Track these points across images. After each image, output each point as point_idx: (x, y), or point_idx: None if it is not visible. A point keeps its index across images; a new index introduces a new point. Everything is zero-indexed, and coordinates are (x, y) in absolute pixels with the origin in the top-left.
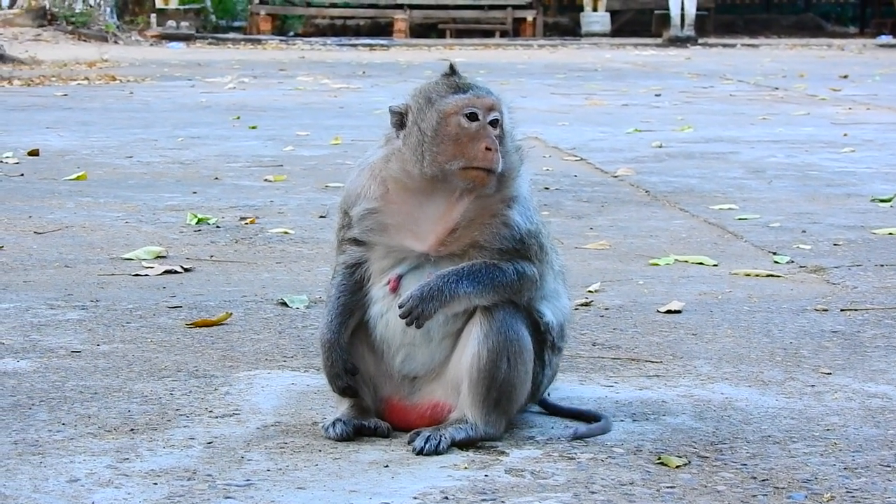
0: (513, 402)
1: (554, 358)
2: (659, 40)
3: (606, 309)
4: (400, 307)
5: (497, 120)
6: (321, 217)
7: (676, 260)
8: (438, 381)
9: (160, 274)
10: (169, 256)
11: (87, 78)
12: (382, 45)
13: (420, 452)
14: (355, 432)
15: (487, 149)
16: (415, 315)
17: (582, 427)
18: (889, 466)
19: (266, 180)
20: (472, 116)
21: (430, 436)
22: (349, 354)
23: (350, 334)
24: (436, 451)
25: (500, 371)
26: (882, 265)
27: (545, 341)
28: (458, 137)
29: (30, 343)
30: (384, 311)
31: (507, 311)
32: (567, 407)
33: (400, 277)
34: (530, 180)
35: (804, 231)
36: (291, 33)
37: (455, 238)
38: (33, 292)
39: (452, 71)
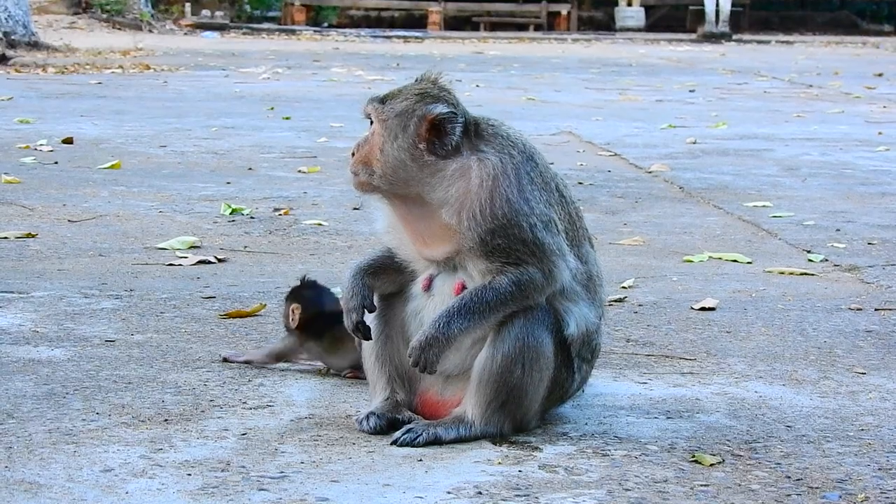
0: (522, 407)
1: (584, 365)
2: (693, 36)
3: (640, 305)
4: (409, 357)
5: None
6: (355, 209)
7: (710, 257)
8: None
9: (194, 264)
10: (203, 247)
11: (121, 66)
12: (416, 38)
13: (394, 442)
14: (389, 426)
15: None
16: (422, 365)
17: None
18: None
19: (300, 171)
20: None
21: (413, 428)
22: (371, 292)
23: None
24: (411, 444)
25: (512, 376)
26: None
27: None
28: None
29: (64, 332)
30: (419, 309)
31: (530, 317)
32: None
33: (432, 278)
34: (529, 174)
35: (838, 230)
36: (326, 24)
37: (444, 250)
38: (67, 281)
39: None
